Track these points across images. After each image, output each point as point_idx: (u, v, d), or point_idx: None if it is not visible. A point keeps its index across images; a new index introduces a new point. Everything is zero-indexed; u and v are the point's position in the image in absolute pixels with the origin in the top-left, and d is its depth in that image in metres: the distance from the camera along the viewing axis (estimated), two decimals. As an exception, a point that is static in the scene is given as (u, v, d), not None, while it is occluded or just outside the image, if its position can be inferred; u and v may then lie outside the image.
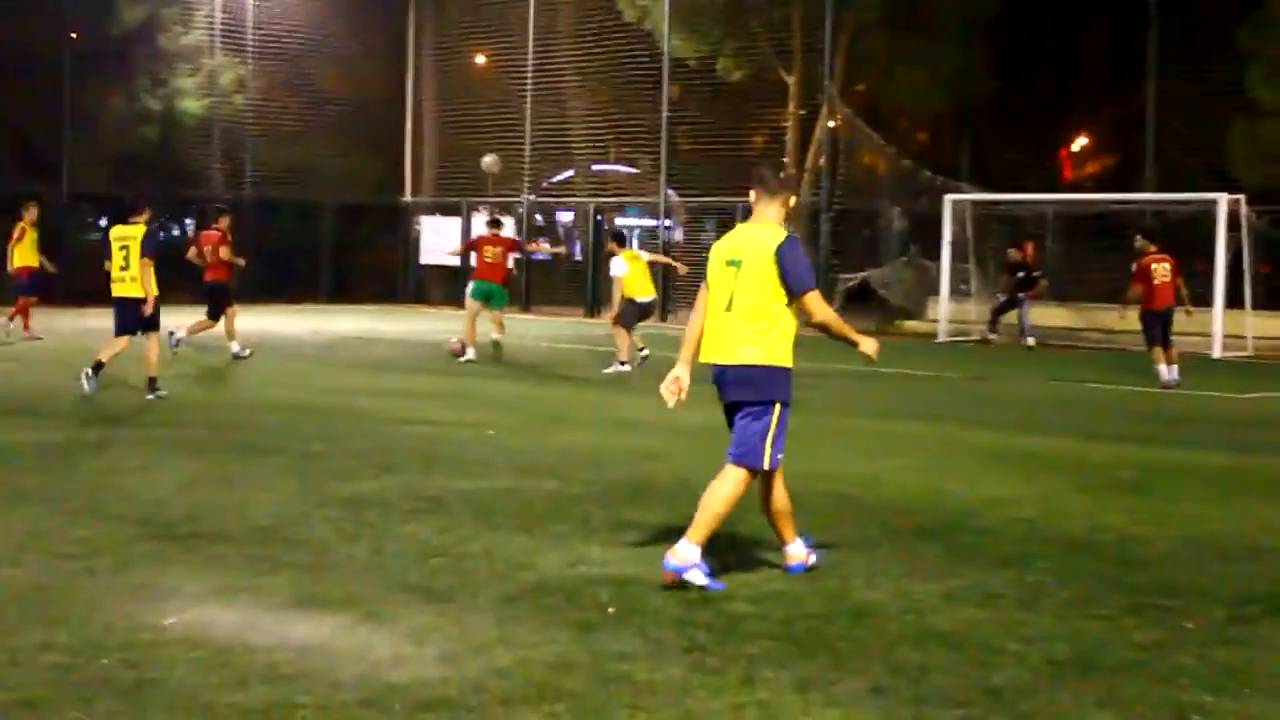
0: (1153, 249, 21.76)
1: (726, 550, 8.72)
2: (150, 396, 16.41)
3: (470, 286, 23.92)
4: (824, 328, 8.24)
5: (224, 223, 22.75)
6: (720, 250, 8.30)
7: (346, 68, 42.99)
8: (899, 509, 10.46)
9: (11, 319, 25.43)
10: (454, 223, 42.34)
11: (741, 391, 8.08)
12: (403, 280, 43.92)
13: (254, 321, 31.03)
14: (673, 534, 9.16)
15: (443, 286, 42.43)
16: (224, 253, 22.39)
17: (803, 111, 37.82)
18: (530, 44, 40.97)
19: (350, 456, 12.41)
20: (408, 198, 44.01)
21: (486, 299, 23.60)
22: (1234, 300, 28.93)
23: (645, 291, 21.84)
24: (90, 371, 16.50)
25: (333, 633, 6.82)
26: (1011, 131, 39.60)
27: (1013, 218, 34.38)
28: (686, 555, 7.88)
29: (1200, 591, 8.04)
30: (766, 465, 8.07)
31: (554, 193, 43.84)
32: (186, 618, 7.02)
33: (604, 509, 10.14)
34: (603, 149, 42.50)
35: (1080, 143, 44.89)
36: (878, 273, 35.12)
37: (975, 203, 33.18)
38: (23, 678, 6.08)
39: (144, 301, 16.36)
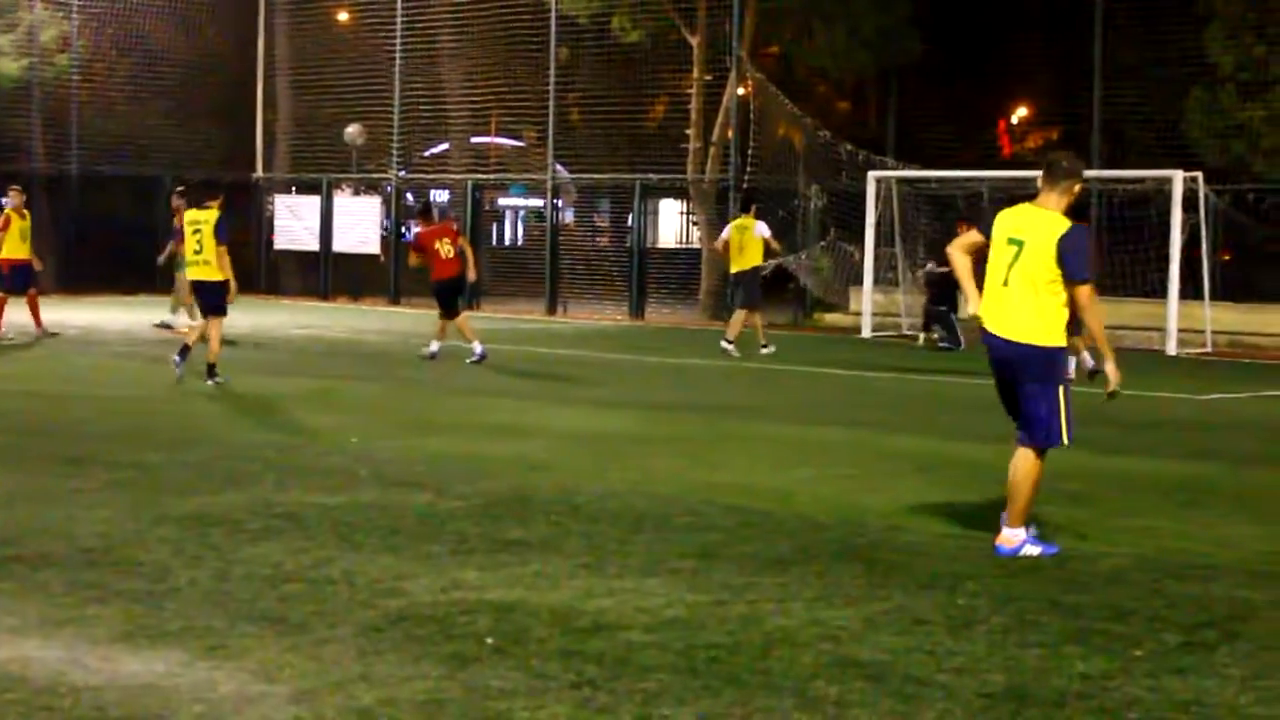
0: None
1: (615, 576, 8.75)
2: (209, 383, 18.34)
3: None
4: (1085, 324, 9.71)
5: (452, 218, 23.86)
6: (1004, 225, 9.85)
7: (187, 24, 42.59)
8: (813, 524, 10.50)
9: None
10: (313, 202, 42.11)
11: (1021, 371, 9.61)
12: (255, 267, 43.40)
13: (82, 313, 30.75)
14: (558, 553, 9.18)
15: (300, 275, 42.18)
16: (464, 245, 23.18)
17: (708, 77, 37.83)
18: (399, -2, 40.78)
19: (191, 468, 12.32)
20: (259, 173, 43.68)
21: None
22: (1190, 290, 29.14)
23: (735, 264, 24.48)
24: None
25: (170, 669, 6.77)
26: (943, 100, 39.84)
27: (944, 197, 34.54)
28: (1013, 536, 9.52)
29: (1151, 615, 8.13)
30: (1066, 441, 9.59)
31: (427, 168, 43.70)
32: (1, 655, 6.94)
33: (481, 526, 10.13)
34: (482, 119, 42.39)
35: (1020, 113, 45.33)
36: (793, 259, 35.17)
37: (902, 180, 33.37)
38: None
39: (221, 284, 18.41)
